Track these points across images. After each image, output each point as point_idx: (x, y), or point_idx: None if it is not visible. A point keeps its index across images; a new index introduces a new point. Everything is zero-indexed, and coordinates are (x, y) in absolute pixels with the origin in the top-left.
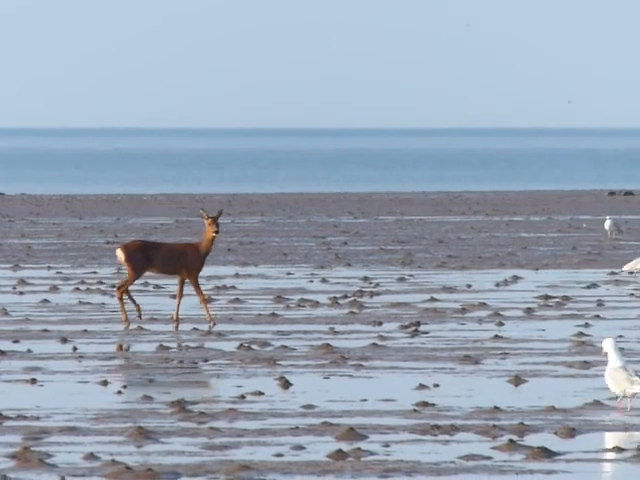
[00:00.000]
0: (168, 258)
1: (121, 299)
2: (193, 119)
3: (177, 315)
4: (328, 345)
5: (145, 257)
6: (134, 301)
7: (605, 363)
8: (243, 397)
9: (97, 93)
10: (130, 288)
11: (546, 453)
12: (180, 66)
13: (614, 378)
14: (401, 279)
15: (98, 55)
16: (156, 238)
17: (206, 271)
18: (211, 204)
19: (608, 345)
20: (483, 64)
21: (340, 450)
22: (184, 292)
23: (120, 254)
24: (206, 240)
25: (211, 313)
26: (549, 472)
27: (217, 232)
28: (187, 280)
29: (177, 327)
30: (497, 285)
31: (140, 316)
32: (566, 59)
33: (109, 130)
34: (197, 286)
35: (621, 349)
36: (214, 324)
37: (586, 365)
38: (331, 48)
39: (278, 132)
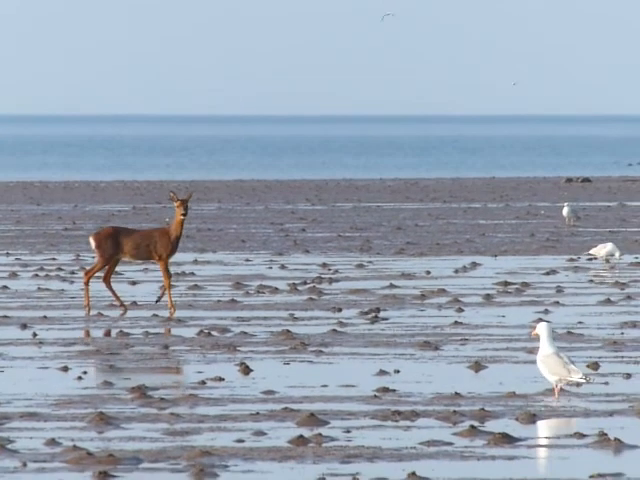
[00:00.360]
0: (139, 244)
1: (87, 284)
2: (153, 106)
3: (171, 302)
4: (288, 331)
5: (116, 244)
6: (114, 292)
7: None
8: (204, 383)
9: (56, 79)
10: (112, 278)
11: (507, 439)
12: (146, 52)
13: (548, 365)
14: (360, 266)
15: (61, 41)
16: (118, 224)
17: None
18: (168, 191)
19: (542, 330)
20: (450, 49)
21: (301, 436)
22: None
23: (92, 241)
24: (176, 223)
25: (174, 299)
26: (510, 458)
27: (185, 215)
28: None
29: (173, 314)
30: (456, 272)
31: (123, 308)
32: (518, 45)
33: (66, 117)
34: (165, 271)
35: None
36: (174, 311)
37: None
38: (309, 35)
39: (242, 119)
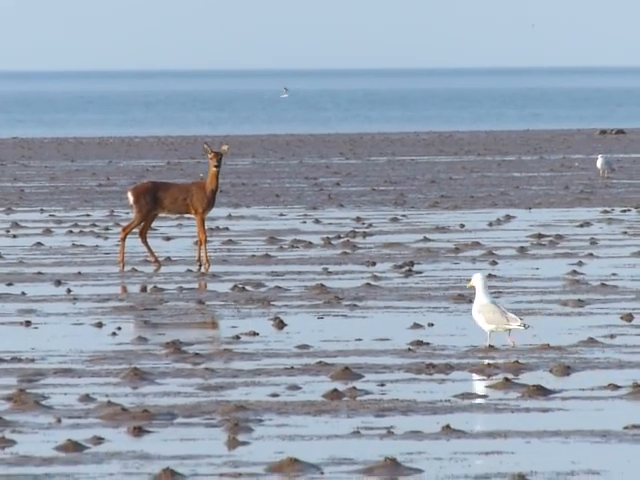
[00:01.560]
0: (176, 198)
1: (123, 240)
2: (181, 60)
3: (207, 257)
4: (322, 285)
5: (153, 199)
6: (150, 248)
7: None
8: (238, 338)
9: (86, 35)
10: (148, 234)
11: (541, 391)
12: (162, 5)
13: (485, 314)
14: (394, 219)
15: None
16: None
17: None
18: (201, 145)
19: (478, 281)
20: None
21: (335, 390)
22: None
23: (130, 196)
24: (210, 176)
25: (208, 255)
26: (544, 410)
27: (217, 167)
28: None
29: (208, 269)
30: (490, 225)
31: (157, 264)
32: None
33: (96, 73)
34: (201, 226)
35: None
36: (209, 266)
37: (580, 303)
38: None
39: (273, 73)
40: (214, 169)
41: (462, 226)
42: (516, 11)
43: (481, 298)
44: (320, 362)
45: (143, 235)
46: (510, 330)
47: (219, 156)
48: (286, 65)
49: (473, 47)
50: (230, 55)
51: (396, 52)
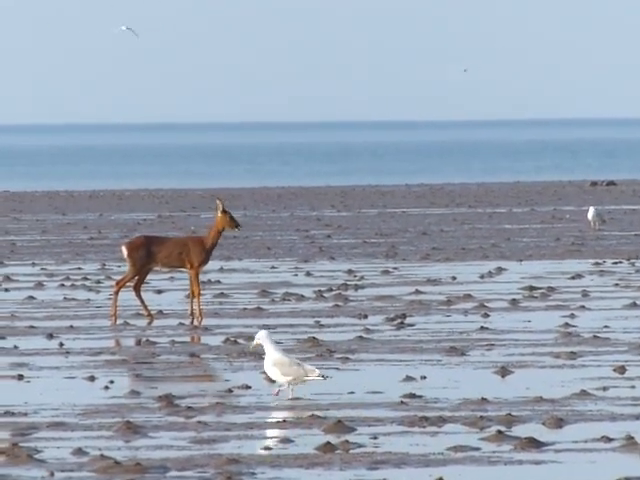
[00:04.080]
0: (171, 252)
1: (116, 294)
2: (177, 114)
3: (200, 310)
4: (314, 338)
5: (147, 253)
6: (143, 302)
7: None
8: (230, 391)
9: (76, 89)
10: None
11: (534, 443)
12: (163, 59)
13: (281, 367)
14: (385, 272)
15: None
16: (140, 234)
17: None
18: (193, 199)
19: (263, 337)
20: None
21: (328, 442)
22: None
23: (124, 250)
24: (213, 231)
25: (201, 308)
26: (538, 462)
27: (238, 227)
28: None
29: (200, 322)
30: (482, 277)
31: (150, 318)
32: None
33: (87, 126)
34: (196, 279)
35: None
36: (201, 320)
37: (573, 355)
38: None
39: (262, 126)
40: (223, 228)
41: (454, 278)
42: (502, 62)
43: (272, 353)
44: (313, 415)
45: (137, 289)
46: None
47: (231, 215)
48: (268, 118)
49: (459, 100)
50: (219, 108)
51: (381, 105)
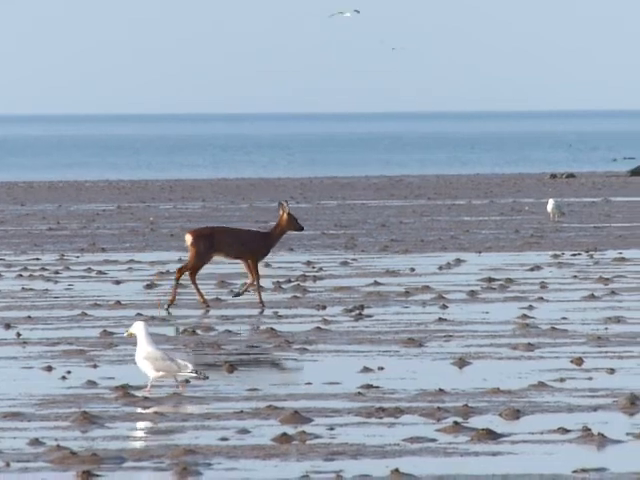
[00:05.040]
0: (233, 243)
1: (177, 280)
2: (140, 105)
3: (260, 298)
4: (272, 329)
5: (212, 243)
6: (198, 289)
7: None
8: (187, 381)
9: (37, 79)
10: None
11: (491, 435)
12: (129, 50)
13: (154, 361)
14: (344, 263)
15: (37, 41)
16: (99, 224)
17: (150, 257)
18: (153, 190)
19: (139, 328)
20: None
21: (285, 433)
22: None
23: (189, 238)
24: (279, 232)
25: (159, 298)
26: (494, 454)
27: (301, 229)
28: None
29: (263, 310)
30: (440, 268)
31: (206, 306)
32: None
33: (46, 117)
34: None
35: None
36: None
37: (530, 347)
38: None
39: (225, 117)
40: (287, 229)
41: (412, 270)
42: (459, 55)
43: (145, 345)
44: (270, 406)
45: (193, 276)
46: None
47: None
48: (234, 110)
49: (418, 92)
50: (183, 99)
51: (335, 97)
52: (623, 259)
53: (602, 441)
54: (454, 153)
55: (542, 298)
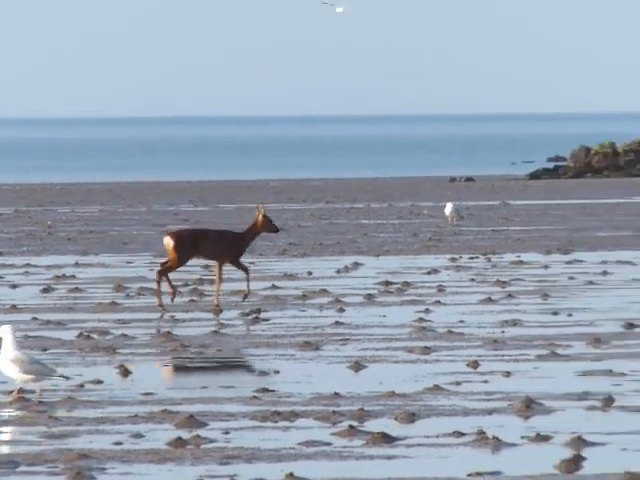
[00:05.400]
0: (212, 245)
1: (158, 283)
2: (35, 107)
3: (217, 300)
4: (169, 333)
5: (193, 246)
6: (169, 280)
7: None
8: (82, 386)
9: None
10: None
11: (386, 438)
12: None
13: (21, 365)
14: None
15: None
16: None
17: (46, 260)
18: (51, 193)
19: (5, 332)
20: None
21: (180, 438)
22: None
23: (169, 241)
24: (253, 233)
25: (55, 302)
26: (389, 457)
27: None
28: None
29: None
30: (338, 272)
31: (173, 294)
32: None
33: None
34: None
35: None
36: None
37: (426, 350)
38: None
39: (128, 121)
40: (261, 231)
41: (310, 273)
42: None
43: (10, 349)
44: (165, 410)
45: (165, 273)
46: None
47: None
48: (122, 113)
49: (318, 95)
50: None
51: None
52: (521, 262)
53: (497, 444)
54: (374, 157)
55: (439, 301)
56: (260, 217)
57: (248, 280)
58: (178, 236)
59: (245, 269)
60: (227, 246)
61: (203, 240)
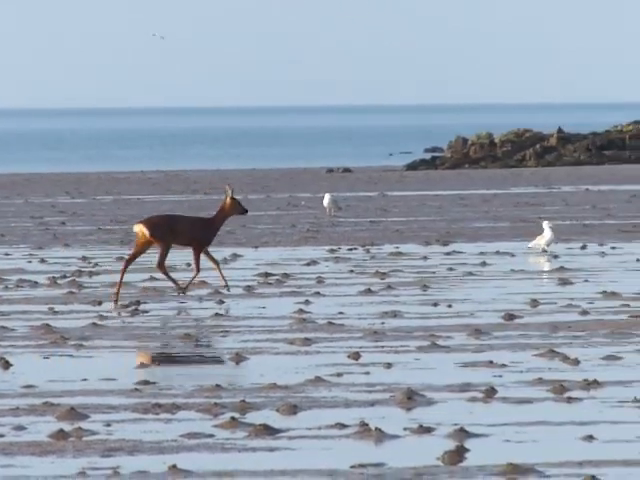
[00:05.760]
0: (185, 231)
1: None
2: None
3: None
4: (48, 325)
5: (171, 231)
6: (121, 279)
7: None
8: None
9: None
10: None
11: (268, 430)
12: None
13: None
14: (120, 259)
15: None
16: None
17: None
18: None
19: None
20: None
21: (61, 430)
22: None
23: (145, 229)
24: (222, 216)
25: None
26: (272, 449)
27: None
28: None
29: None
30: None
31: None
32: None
33: None
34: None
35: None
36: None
37: (307, 342)
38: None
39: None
40: (230, 213)
41: (189, 265)
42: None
43: None
44: (46, 402)
45: (128, 264)
46: None
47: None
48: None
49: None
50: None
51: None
52: (399, 253)
53: (379, 436)
54: (252, 149)
55: (319, 293)
56: (228, 200)
57: (220, 270)
58: (150, 222)
59: (198, 266)
60: (199, 231)
61: (177, 224)
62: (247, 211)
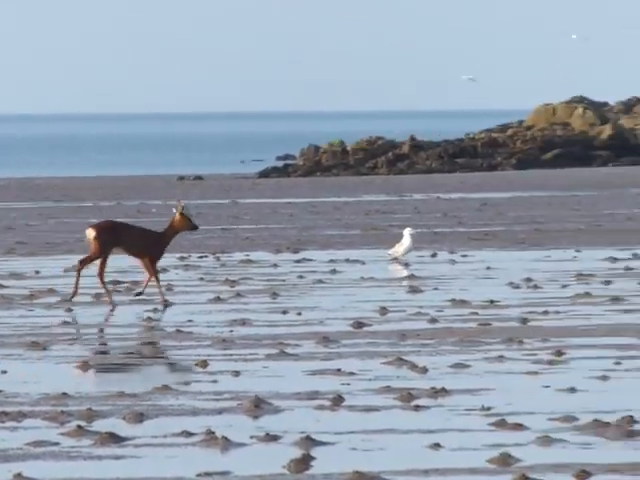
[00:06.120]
0: (135, 241)
1: (79, 271)
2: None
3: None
4: None
5: (115, 238)
6: (105, 286)
7: None
8: None
9: None
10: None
11: (114, 438)
12: None
13: None
14: None
15: None
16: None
17: None
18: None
19: None
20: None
21: None
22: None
23: (91, 232)
24: (172, 232)
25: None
26: (117, 457)
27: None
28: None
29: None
30: (66, 271)
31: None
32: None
33: None
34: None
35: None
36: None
37: (156, 350)
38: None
39: None
40: (180, 229)
41: (37, 272)
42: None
43: None
44: None
45: (101, 275)
46: None
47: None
48: None
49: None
50: None
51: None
52: (250, 261)
53: (226, 444)
54: (102, 155)
55: (167, 300)
56: (177, 216)
57: (150, 282)
58: (99, 227)
59: (155, 275)
60: (148, 244)
61: (125, 232)
62: (198, 227)
